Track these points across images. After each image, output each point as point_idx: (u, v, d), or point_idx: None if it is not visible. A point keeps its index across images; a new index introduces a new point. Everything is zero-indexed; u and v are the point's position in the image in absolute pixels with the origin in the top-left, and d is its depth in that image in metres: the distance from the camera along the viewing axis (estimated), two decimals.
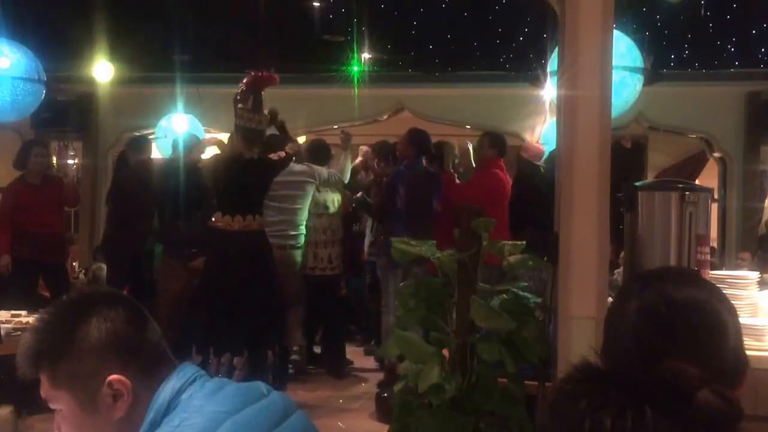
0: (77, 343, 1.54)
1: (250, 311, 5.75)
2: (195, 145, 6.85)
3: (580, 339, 2.97)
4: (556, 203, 3.44)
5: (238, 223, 5.86)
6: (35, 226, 6.85)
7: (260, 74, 6.03)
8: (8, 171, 7.25)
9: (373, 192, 7.17)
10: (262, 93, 6.00)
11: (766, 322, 3.46)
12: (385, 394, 5.42)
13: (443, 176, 6.56)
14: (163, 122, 8.65)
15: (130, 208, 7.23)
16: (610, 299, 3.08)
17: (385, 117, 9.89)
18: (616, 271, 6.32)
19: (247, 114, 5.90)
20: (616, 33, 4.13)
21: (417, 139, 6.59)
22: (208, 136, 8.23)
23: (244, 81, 6.00)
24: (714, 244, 9.20)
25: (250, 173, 5.94)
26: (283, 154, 6.19)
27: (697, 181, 10.55)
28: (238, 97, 5.95)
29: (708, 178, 10.67)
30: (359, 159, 7.62)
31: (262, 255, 5.97)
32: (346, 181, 7.15)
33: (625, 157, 10.66)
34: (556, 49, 4.09)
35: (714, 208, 9.14)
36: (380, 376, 6.42)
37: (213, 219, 5.97)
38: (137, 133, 9.14)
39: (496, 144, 6.66)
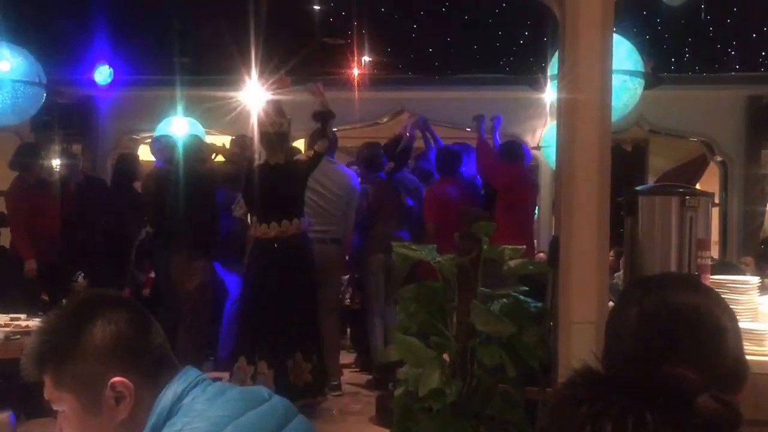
0: (81, 346, 1.55)
1: (292, 318, 5.75)
2: (202, 147, 6.90)
3: (580, 344, 2.96)
4: (554, 207, 3.44)
5: (274, 229, 5.86)
6: (40, 228, 6.89)
7: (275, 79, 6.14)
8: (4, 171, 7.25)
9: None
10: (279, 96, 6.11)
11: (766, 327, 3.46)
12: (386, 398, 5.41)
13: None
14: (162, 125, 8.65)
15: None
16: (610, 303, 3.08)
17: (386, 120, 9.89)
18: (616, 274, 6.31)
19: (268, 119, 5.95)
20: (616, 37, 4.13)
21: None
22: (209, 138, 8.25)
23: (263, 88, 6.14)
24: (715, 248, 9.20)
25: (279, 179, 5.94)
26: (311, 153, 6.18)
27: (698, 185, 10.56)
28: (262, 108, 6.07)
29: (710, 181, 10.67)
30: None
31: (302, 259, 5.96)
32: None
33: (626, 160, 10.66)
34: (556, 53, 4.09)
35: (715, 212, 9.15)
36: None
37: (252, 230, 6.04)
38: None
39: (507, 153, 6.83)
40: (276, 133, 5.97)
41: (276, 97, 6.13)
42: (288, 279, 5.79)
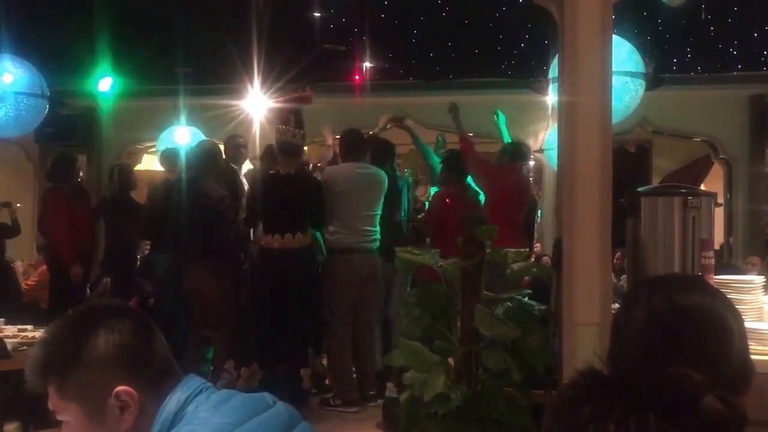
0: (85, 355, 1.55)
1: (291, 330, 5.72)
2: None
3: (584, 346, 2.95)
4: (557, 210, 3.43)
5: (276, 241, 5.80)
6: (74, 237, 7.08)
7: (299, 93, 6.15)
8: (9, 182, 7.32)
9: None
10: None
11: None
12: (391, 404, 5.40)
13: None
14: (165, 134, 8.66)
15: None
16: (616, 305, 3.07)
17: (388, 126, 9.89)
18: (623, 276, 6.30)
19: (288, 130, 5.92)
20: (616, 38, 4.13)
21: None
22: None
23: (283, 99, 6.16)
24: (718, 248, 9.17)
25: (288, 190, 5.86)
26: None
27: (702, 185, 10.55)
28: (279, 117, 6.05)
29: (714, 181, 10.66)
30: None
31: (300, 274, 5.86)
32: None
33: (630, 161, 10.67)
34: (557, 56, 4.09)
35: (720, 211, 9.13)
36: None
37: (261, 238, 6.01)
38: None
39: (508, 152, 6.75)
40: (294, 144, 5.93)
41: (295, 106, 6.06)
42: (286, 296, 5.73)
